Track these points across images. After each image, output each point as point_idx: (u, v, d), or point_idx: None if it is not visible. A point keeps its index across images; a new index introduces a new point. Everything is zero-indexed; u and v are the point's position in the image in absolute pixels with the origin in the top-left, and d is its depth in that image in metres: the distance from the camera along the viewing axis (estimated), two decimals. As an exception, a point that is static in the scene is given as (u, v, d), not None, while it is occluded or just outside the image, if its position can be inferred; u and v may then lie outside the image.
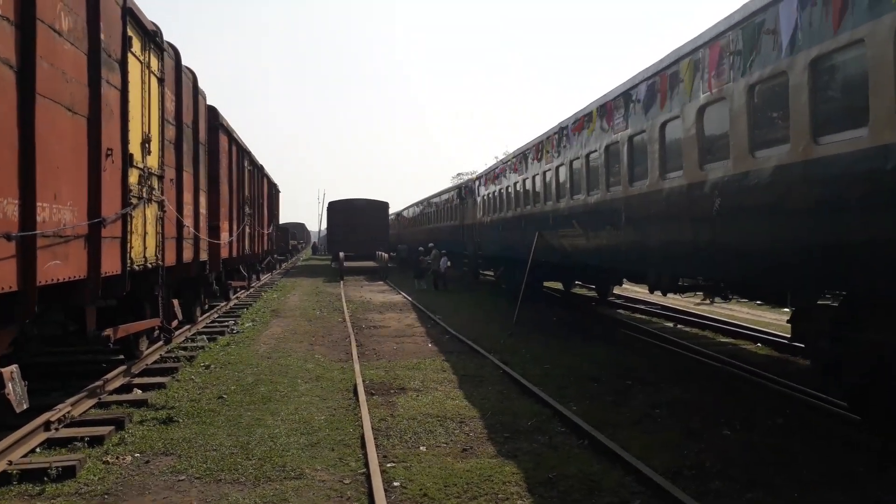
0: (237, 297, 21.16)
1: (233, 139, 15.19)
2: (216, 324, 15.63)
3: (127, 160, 6.87)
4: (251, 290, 24.28)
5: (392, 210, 46.62)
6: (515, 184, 18.45)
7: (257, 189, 20.92)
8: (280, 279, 32.94)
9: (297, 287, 28.08)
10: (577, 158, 13.01)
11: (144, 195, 7.54)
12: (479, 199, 24.64)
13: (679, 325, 15.75)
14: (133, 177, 7.19)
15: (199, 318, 14.91)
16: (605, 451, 6.51)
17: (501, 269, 22.16)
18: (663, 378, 9.99)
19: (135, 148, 7.14)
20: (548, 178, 15.28)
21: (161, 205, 8.38)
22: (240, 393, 8.96)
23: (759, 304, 17.75)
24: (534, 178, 16.49)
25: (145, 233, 7.63)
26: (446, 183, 58.50)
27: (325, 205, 43.66)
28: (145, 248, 7.71)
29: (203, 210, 11.48)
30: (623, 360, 11.42)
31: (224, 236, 14.10)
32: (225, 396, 8.74)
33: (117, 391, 8.84)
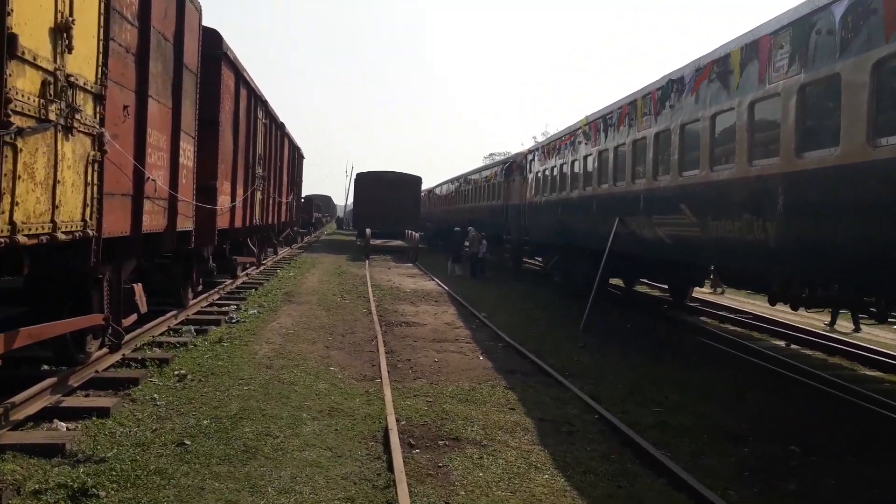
0: (247, 275, 18.23)
1: (241, 78, 12.08)
2: (213, 309, 12.65)
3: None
4: (263, 266, 21.33)
5: (423, 187, 43.38)
6: (587, 157, 15.12)
7: (275, 149, 17.85)
8: (300, 254, 30.03)
9: (317, 265, 25.11)
10: (696, 121, 9.67)
11: (54, 117, 4.45)
12: (530, 177, 21.32)
13: (793, 345, 12.39)
14: (23, 80, 4.11)
15: (191, 302, 11.95)
16: None
17: (555, 259, 18.93)
18: (838, 442, 6.76)
19: (26, 28, 3.99)
20: (640, 150, 11.95)
21: (97, 140, 5.28)
22: (213, 436, 5.90)
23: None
24: (616, 149, 13.16)
25: (55, 181, 4.55)
26: (478, 163, 54.97)
27: (353, 177, 40.62)
28: (55, 208, 4.63)
29: (187, 161, 8.39)
30: (760, 402, 8.19)
31: (223, 200, 11.06)
32: (188, 443, 5.69)
33: (33, 419, 5.86)
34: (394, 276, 22.59)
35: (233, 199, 11.78)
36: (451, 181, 39.92)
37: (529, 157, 21.49)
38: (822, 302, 9.61)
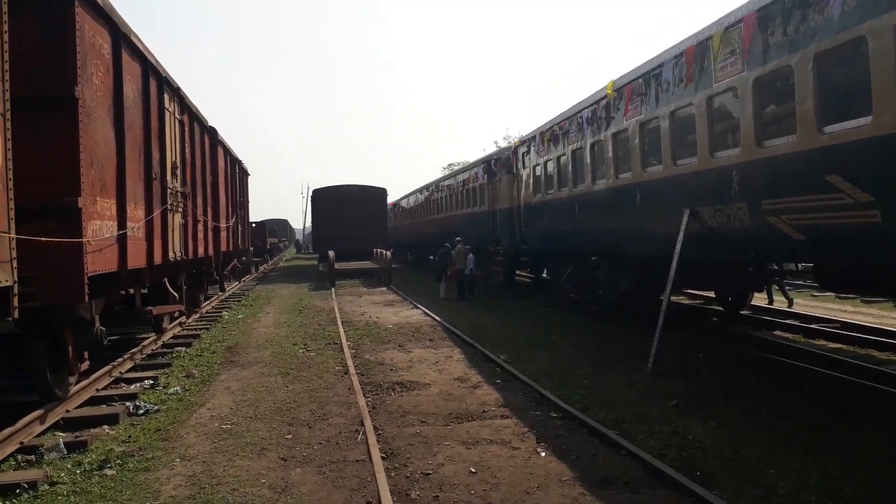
0: (181, 325, 14.00)
1: (126, 41, 7.91)
2: (113, 393, 8.47)
3: None
4: (204, 310, 17.06)
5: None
6: (618, 136, 11.41)
7: (202, 159, 13.70)
8: (253, 288, 25.72)
9: (273, 299, 20.91)
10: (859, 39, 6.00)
11: None
12: (524, 173, 17.57)
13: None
14: None
15: (74, 390, 7.80)
16: None
17: (569, 270, 15.17)
18: None
19: None
20: (725, 107, 8.28)
21: None
22: None
23: None
24: (673, 115, 9.47)
25: None
26: (436, 175, 50.91)
27: (310, 195, 36.40)
28: None
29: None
30: None
31: (101, 227, 6.95)
32: None
33: None
34: (368, 305, 18.56)
35: (121, 224, 7.66)
36: (420, 190, 35.99)
37: (521, 149, 17.73)
38: None
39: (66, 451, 6.32)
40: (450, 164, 69.85)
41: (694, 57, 8.69)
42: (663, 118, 9.70)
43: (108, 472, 5.78)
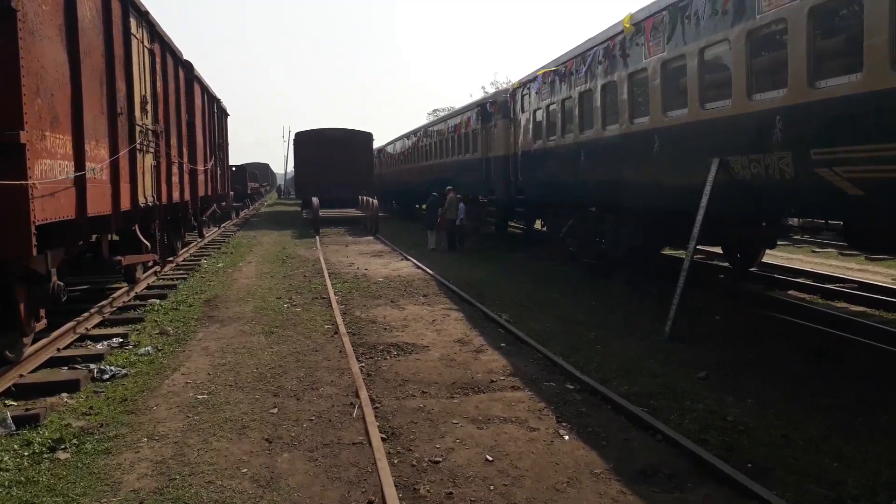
0: (155, 274, 13.03)
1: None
2: (76, 353, 7.56)
3: None
4: (181, 258, 16.06)
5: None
6: (634, 76, 10.40)
7: (176, 94, 12.45)
8: (234, 234, 24.66)
9: (255, 247, 19.93)
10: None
11: None
12: (523, 118, 16.51)
13: None
14: None
15: (28, 351, 6.90)
16: None
17: (570, 223, 14.31)
18: None
19: None
20: (768, 42, 7.32)
21: None
22: None
23: None
24: (702, 53, 8.48)
25: None
26: (420, 121, 48.99)
27: (292, 138, 34.89)
28: None
29: None
30: None
31: (52, 167, 5.93)
32: None
33: None
34: (355, 256, 17.66)
35: (79, 165, 6.61)
36: (407, 136, 34.64)
37: (521, 91, 16.61)
38: None
39: (14, 427, 5.45)
40: (434, 110, 67.99)
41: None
42: (691, 56, 8.70)
43: (62, 455, 4.94)
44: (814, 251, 16.81)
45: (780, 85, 7.08)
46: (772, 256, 14.56)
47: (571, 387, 6.48)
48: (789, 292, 11.44)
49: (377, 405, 5.97)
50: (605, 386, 6.32)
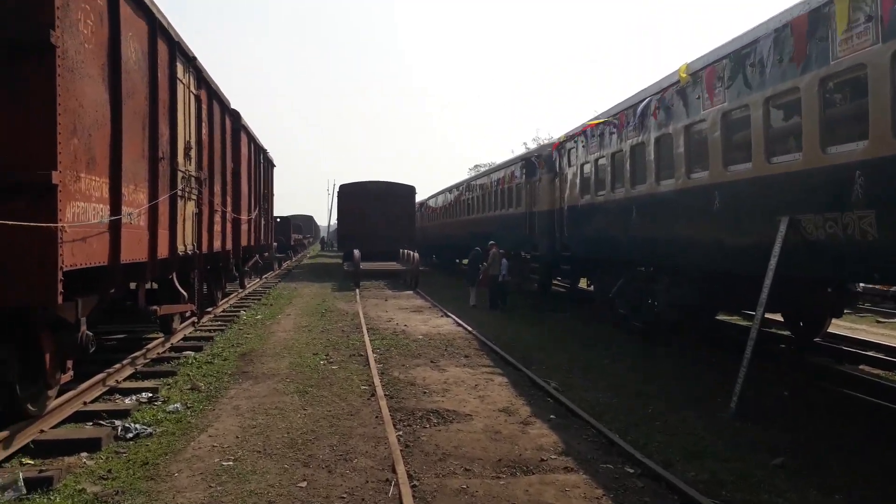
0: (193, 325, 12.80)
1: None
2: (101, 408, 7.22)
3: None
4: (220, 309, 15.87)
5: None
6: (691, 128, 9.92)
7: (221, 142, 12.46)
8: (276, 285, 24.59)
9: (295, 299, 19.72)
10: None
11: None
12: (569, 172, 16.12)
13: None
14: None
15: (51, 405, 6.58)
16: None
17: (620, 283, 13.68)
18: None
19: None
20: (850, 90, 6.81)
21: None
22: None
23: None
24: (768, 103, 7.98)
25: None
26: (462, 176, 48.89)
27: (336, 191, 35.21)
28: None
29: None
30: None
31: (86, 211, 5.69)
32: None
33: None
34: (395, 311, 17.24)
35: (115, 209, 6.39)
36: (450, 189, 34.60)
37: (567, 145, 16.27)
38: None
39: (24, 491, 5.08)
40: (476, 165, 68.24)
41: (804, 28, 7.19)
42: (755, 106, 8.21)
43: (70, 530, 4.51)
44: (878, 321, 15.62)
45: (861, 137, 6.52)
46: (835, 326, 13.58)
47: (631, 470, 5.82)
48: (860, 367, 10.52)
49: (415, 483, 5.41)
50: (668, 470, 5.65)
